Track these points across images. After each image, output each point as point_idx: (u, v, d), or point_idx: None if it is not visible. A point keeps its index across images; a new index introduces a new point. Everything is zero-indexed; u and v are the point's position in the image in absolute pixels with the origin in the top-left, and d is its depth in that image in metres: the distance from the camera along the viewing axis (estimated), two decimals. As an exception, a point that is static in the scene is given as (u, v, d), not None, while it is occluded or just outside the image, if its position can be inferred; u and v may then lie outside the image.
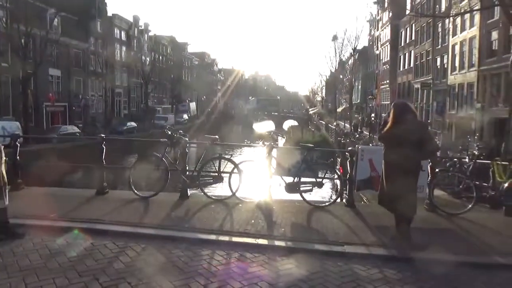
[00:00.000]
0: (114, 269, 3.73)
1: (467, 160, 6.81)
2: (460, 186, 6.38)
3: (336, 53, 44.39)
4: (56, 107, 35.20)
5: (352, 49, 42.99)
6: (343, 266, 4.10)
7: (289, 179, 6.25)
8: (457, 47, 28.84)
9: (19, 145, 6.64)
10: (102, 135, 6.68)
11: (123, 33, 49.70)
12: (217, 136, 6.61)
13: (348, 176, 6.41)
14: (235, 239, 4.65)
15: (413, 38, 39.36)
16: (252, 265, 4.01)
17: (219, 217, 5.40)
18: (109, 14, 46.49)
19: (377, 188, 6.24)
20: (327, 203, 6.30)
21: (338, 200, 6.74)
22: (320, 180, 6.29)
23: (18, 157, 6.58)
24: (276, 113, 76.45)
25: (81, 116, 39.82)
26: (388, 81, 45.95)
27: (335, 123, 44.78)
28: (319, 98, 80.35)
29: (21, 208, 5.38)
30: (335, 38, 43.32)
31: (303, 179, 6.24)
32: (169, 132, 6.49)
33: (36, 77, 29.31)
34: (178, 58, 63.28)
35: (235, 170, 6.30)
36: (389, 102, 45.58)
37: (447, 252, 4.50)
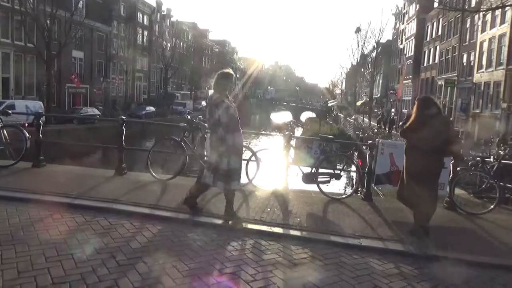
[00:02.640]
0: (131, 248, 3.78)
1: (491, 159, 6.62)
2: (483, 186, 6.20)
3: (358, 45, 43.64)
4: (78, 89, 35.84)
5: (376, 42, 42.15)
6: (358, 259, 4.05)
7: (307, 170, 6.20)
8: (485, 44, 27.92)
9: (42, 123, 6.77)
10: (123, 117, 6.74)
11: (145, 18, 50.02)
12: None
13: (366, 169, 6.32)
14: (250, 226, 4.64)
15: (439, 33, 38.31)
16: (267, 252, 4.00)
17: (235, 203, 5.36)
18: (133, -2, 46.76)
19: (396, 183, 6.14)
20: (344, 196, 6.23)
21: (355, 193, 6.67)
22: (338, 172, 6.22)
23: (40, 135, 6.72)
24: (294, 104, 76.02)
25: (102, 98, 40.44)
26: (410, 76, 45.00)
27: (353, 117, 44.24)
28: (338, 91, 79.46)
29: (42, 184, 5.51)
30: (358, 30, 42.55)
31: (321, 170, 6.18)
32: (189, 117, 6.50)
33: (59, 58, 29.84)
34: (198, 45, 63.36)
35: (253, 158, 6.28)
36: (410, 98, 44.72)
37: (465, 252, 4.41)
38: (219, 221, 4.70)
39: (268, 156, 6.46)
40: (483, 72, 28.19)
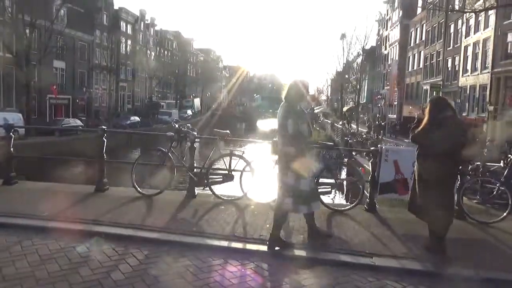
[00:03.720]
0: (111, 280, 3.21)
1: (501, 164, 6.28)
2: (494, 193, 5.84)
3: (344, 51, 43.66)
4: (60, 100, 34.80)
5: (361, 48, 42.31)
6: (374, 282, 3.57)
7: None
8: (470, 48, 28.14)
9: (13, 136, 6.14)
10: (104, 127, 6.15)
11: (129, 27, 49.31)
12: (228, 131, 6.08)
13: (370, 178, 5.87)
14: (249, 246, 4.12)
15: (423, 38, 38.65)
16: (271, 278, 3.49)
17: (230, 220, 4.88)
18: (116, 7, 46.13)
19: (401, 192, 5.73)
20: (347, 207, 5.76)
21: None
22: (340, 181, 5.75)
23: (12, 148, 6.09)
24: (280, 111, 75.88)
25: (85, 109, 39.44)
26: (396, 82, 45.26)
27: (340, 123, 44.14)
28: (324, 97, 79.74)
29: (11, 205, 4.88)
30: (343, 36, 42.59)
31: (321, 180, 5.70)
32: (176, 126, 5.97)
33: (40, 68, 28.90)
34: (183, 54, 62.74)
35: (247, 168, 5.78)
36: (396, 103, 44.89)
37: (487, 268, 3.96)
38: (214, 242, 4.17)
39: (264, 166, 5.94)
40: (468, 76, 28.37)
